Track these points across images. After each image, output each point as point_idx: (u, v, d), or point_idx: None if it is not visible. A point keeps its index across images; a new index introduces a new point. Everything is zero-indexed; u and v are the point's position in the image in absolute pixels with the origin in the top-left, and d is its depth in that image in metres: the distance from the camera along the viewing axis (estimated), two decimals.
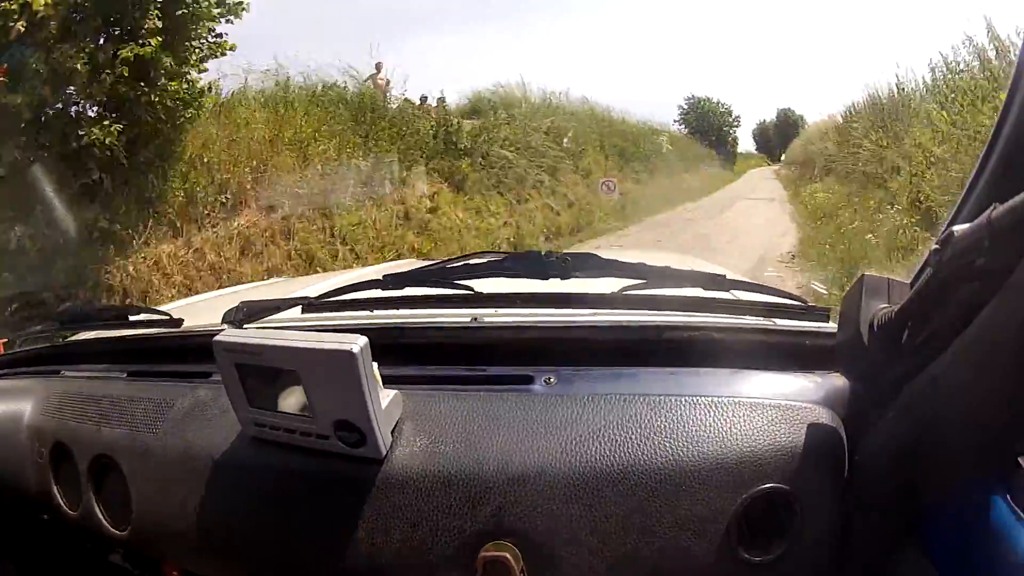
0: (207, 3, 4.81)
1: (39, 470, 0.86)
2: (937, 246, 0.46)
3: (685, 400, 0.64)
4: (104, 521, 0.80)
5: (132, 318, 1.05)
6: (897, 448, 0.57)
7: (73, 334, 1.15)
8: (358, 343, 0.59)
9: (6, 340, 1.20)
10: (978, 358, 0.46)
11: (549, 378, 0.71)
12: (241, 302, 0.96)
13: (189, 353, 0.89)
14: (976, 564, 0.50)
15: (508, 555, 0.58)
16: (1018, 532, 0.47)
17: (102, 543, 0.87)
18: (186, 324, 0.99)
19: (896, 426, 0.57)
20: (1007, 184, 0.42)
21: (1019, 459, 0.51)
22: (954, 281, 0.48)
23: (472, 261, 0.93)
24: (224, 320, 0.93)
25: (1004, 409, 0.45)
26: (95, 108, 4.49)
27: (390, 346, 0.71)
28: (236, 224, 5.58)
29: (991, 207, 0.41)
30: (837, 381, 0.66)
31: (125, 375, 0.93)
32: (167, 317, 1.03)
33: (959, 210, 0.53)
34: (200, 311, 1.30)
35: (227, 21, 4.98)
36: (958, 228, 0.44)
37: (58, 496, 0.85)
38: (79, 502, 0.83)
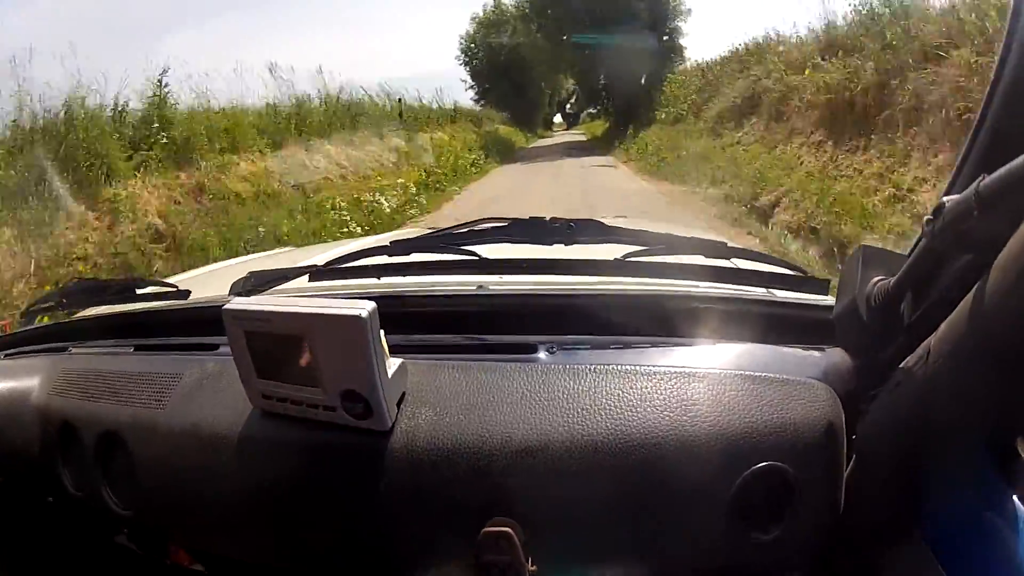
0: None
1: (47, 450, 0.86)
2: (930, 217, 0.47)
3: (686, 373, 0.64)
4: (111, 500, 0.80)
5: (139, 291, 1.05)
6: (894, 428, 0.57)
7: (80, 310, 1.15)
8: (366, 308, 0.59)
9: (9, 322, 1.21)
10: (967, 334, 0.46)
11: (552, 347, 0.71)
12: (249, 272, 0.96)
13: (197, 325, 0.89)
14: (980, 555, 0.50)
15: (511, 530, 0.58)
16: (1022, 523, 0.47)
17: (108, 524, 0.87)
18: (193, 296, 0.99)
19: (892, 405, 0.57)
20: (997, 156, 0.43)
21: (1017, 443, 0.51)
22: (947, 252, 0.49)
23: (478, 227, 0.92)
24: (232, 291, 0.93)
25: (993, 390, 0.45)
26: None
27: (396, 313, 0.71)
28: None
29: (980, 178, 0.42)
30: (836, 356, 0.66)
31: (132, 349, 0.93)
32: (174, 289, 1.03)
33: (953, 182, 0.54)
34: (207, 282, 1.31)
35: None
36: (949, 199, 0.45)
37: (65, 476, 0.85)
38: (86, 482, 0.83)
